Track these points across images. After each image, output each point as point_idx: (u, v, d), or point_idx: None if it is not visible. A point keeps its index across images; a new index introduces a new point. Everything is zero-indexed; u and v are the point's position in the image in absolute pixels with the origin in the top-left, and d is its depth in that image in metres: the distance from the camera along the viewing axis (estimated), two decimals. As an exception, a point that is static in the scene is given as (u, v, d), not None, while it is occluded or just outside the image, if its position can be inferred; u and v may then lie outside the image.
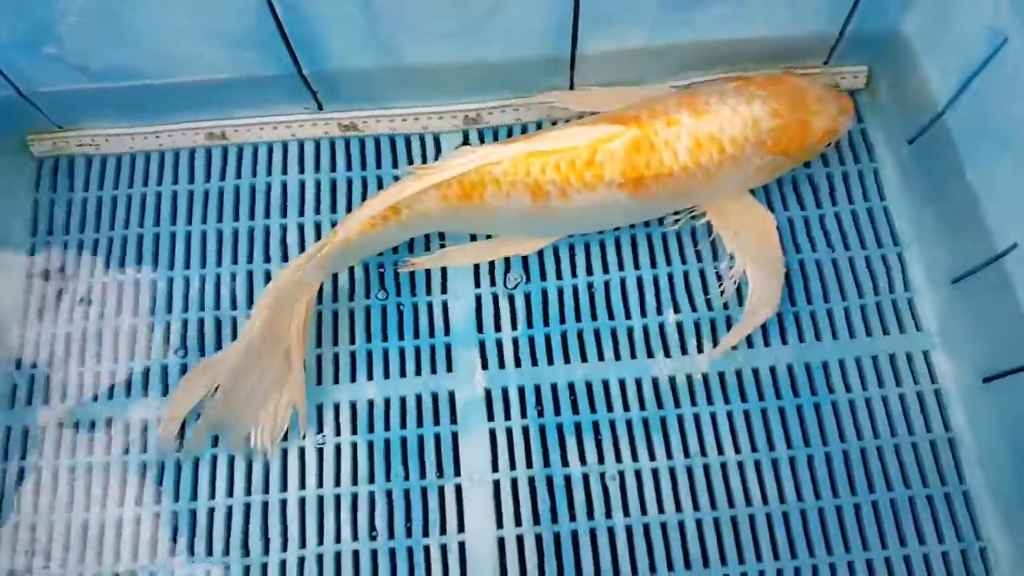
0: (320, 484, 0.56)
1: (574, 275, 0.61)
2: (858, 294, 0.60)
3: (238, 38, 0.57)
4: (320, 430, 0.58)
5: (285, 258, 0.62)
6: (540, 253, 0.62)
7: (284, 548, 0.55)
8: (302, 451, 0.57)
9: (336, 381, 0.59)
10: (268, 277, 0.61)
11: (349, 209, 0.64)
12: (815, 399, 0.58)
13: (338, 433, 0.57)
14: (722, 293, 0.60)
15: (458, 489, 0.56)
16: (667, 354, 0.59)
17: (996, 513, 0.55)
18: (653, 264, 0.62)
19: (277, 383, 0.56)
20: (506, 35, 0.59)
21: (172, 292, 0.61)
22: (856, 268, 0.61)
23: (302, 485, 0.56)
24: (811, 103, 0.58)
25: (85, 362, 0.59)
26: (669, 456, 0.56)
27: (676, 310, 0.60)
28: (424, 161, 0.65)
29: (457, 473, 0.56)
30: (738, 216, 0.60)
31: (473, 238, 0.62)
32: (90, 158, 0.66)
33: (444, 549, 0.54)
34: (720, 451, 0.56)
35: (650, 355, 0.59)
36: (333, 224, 0.63)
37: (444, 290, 0.61)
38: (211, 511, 0.56)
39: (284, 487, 0.56)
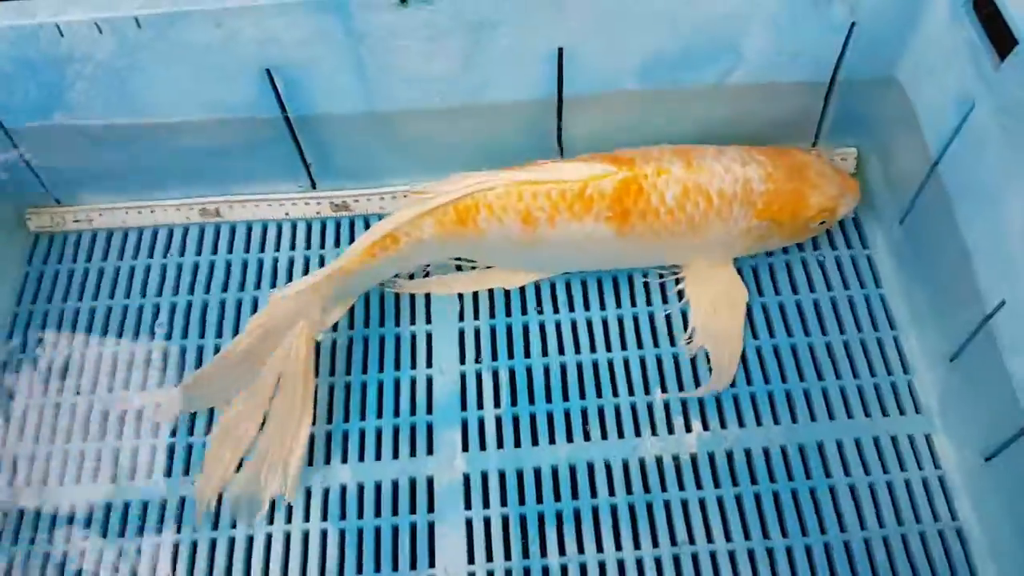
0: (285, 574, 0.51)
1: (561, 352, 0.57)
2: (853, 375, 0.56)
3: (237, 105, 0.56)
4: (288, 519, 0.53)
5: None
6: (526, 329, 0.58)
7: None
8: (268, 537, 0.52)
9: (310, 463, 0.54)
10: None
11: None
12: (810, 483, 0.52)
13: (307, 519, 0.53)
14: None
15: (431, 581, 0.51)
16: (654, 432, 0.54)
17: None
18: (640, 345, 0.58)
19: (277, 416, 0.52)
20: (494, 112, 0.57)
21: (165, 360, 0.59)
22: (851, 350, 0.57)
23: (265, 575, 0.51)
24: (811, 176, 0.56)
25: (55, 440, 0.56)
26: (655, 544, 0.51)
27: (664, 389, 0.56)
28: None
29: (431, 565, 0.51)
30: (714, 285, 0.57)
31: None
32: (81, 233, 0.64)
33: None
34: (709, 539, 0.51)
35: (637, 434, 0.54)
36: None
37: (429, 364, 0.58)
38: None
39: (248, 576, 0.51)
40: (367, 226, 0.63)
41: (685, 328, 0.58)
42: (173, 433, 0.56)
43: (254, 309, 0.60)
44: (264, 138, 0.58)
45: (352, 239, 0.63)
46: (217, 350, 0.58)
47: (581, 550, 0.51)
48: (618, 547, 0.51)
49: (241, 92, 0.55)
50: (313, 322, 0.54)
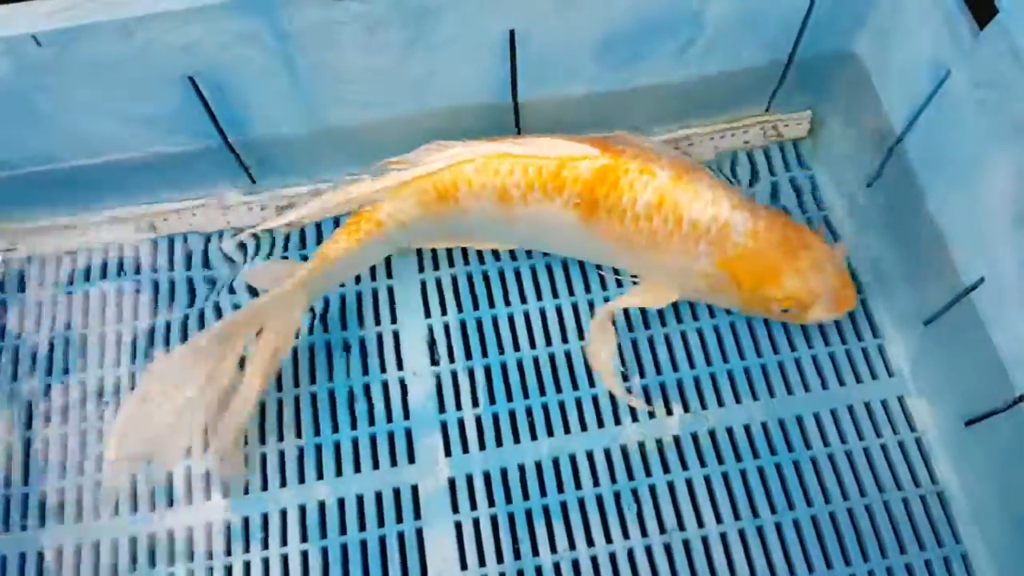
0: (271, 603, 0.48)
1: (532, 346, 0.54)
2: (824, 342, 0.54)
3: (162, 116, 0.50)
4: (265, 545, 0.50)
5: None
6: (496, 322, 0.55)
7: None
8: (247, 566, 0.49)
9: (283, 484, 0.51)
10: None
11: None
12: (793, 456, 0.51)
13: (285, 543, 0.49)
14: None
15: (424, 592, 0.48)
16: (634, 419, 0.52)
17: (991, 569, 0.48)
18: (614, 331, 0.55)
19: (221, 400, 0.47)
20: (445, 97, 0.53)
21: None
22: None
23: (250, 606, 0.48)
24: (802, 259, 0.48)
25: None
26: (644, 533, 0.49)
27: (641, 374, 0.54)
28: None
29: (424, 573, 0.49)
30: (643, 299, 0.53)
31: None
32: (8, 260, 0.58)
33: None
34: (700, 523, 0.49)
35: (617, 422, 0.52)
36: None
37: (400, 367, 0.54)
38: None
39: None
40: (318, 228, 0.58)
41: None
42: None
43: (200, 326, 0.55)
44: (197, 147, 0.53)
45: (303, 242, 0.58)
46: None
47: (572, 546, 0.49)
48: (608, 539, 0.49)
49: (165, 103, 0.49)
50: (291, 325, 0.49)
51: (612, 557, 0.49)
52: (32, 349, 0.55)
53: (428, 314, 0.56)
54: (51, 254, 0.58)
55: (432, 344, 0.55)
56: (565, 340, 0.55)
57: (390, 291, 0.57)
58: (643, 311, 0.55)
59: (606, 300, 0.56)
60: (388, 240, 0.52)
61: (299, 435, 0.52)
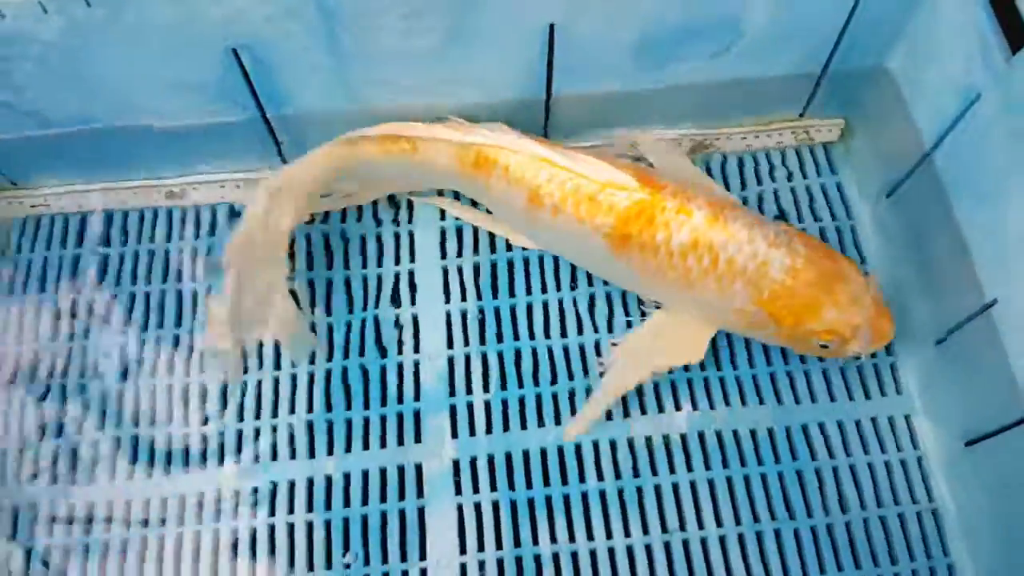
0: (272, 569, 0.49)
1: (547, 335, 0.55)
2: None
3: (202, 86, 0.50)
4: (272, 511, 0.50)
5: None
6: (513, 311, 0.55)
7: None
8: (253, 532, 0.50)
9: (292, 456, 0.51)
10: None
11: (311, 266, 0.57)
12: (797, 465, 0.51)
13: (291, 512, 0.50)
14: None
15: (423, 573, 0.49)
16: (643, 412, 0.52)
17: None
18: (629, 324, 0.55)
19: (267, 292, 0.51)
20: (480, 87, 0.53)
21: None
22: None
23: (252, 571, 0.49)
24: (840, 292, 0.47)
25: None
26: (645, 531, 0.50)
27: (652, 372, 0.54)
28: (397, 217, 0.59)
29: (423, 557, 0.49)
30: (677, 333, 0.51)
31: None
32: (40, 218, 0.58)
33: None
34: (700, 525, 0.50)
35: (626, 415, 0.52)
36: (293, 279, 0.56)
37: (416, 349, 0.54)
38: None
39: (234, 572, 0.49)
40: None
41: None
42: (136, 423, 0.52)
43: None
44: (233, 119, 0.53)
45: (325, 215, 0.58)
46: (176, 341, 0.54)
47: (572, 539, 0.49)
48: (608, 535, 0.50)
49: (207, 72, 0.49)
50: (301, 203, 0.51)
51: (611, 552, 0.49)
52: (54, 306, 0.55)
53: (448, 299, 0.56)
54: (75, 214, 0.58)
55: (448, 328, 0.55)
56: (580, 332, 0.55)
57: (411, 274, 0.57)
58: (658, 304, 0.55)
59: (623, 293, 0.56)
60: (414, 166, 0.52)
61: (310, 410, 0.53)
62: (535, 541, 0.49)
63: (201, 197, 0.59)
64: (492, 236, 0.58)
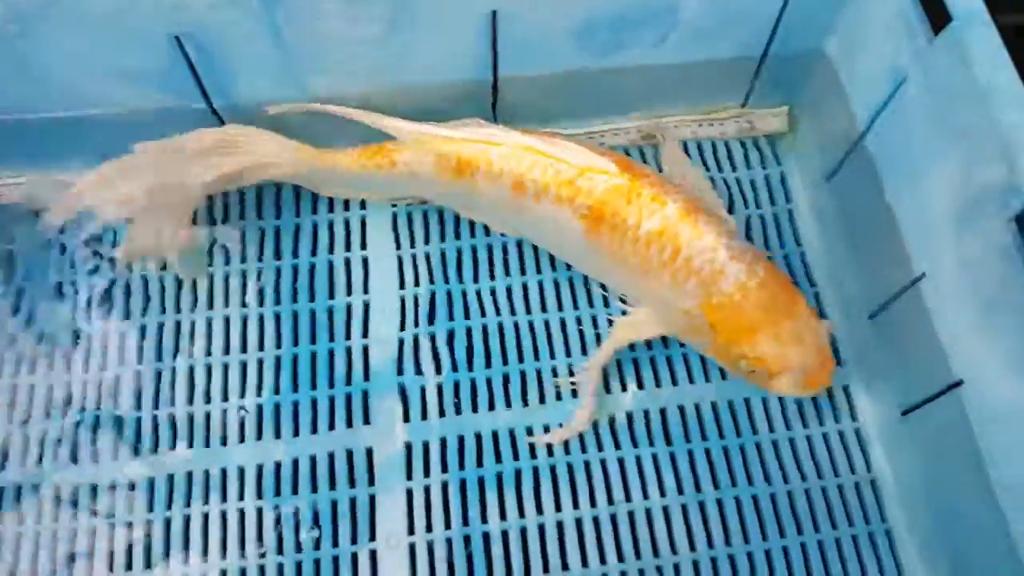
0: (224, 555, 0.49)
1: (498, 314, 0.55)
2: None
3: (148, 74, 0.50)
4: (224, 498, 0.50)
5: (195, 306, 0.55)
6: (464, 294, 0.56)
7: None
8: (205, 517, 0.50)
9: (241, 440, 0.51)
10: (177, 329, 0.54)
11: (261, 256, 0.57)
12: (740, 440, 0.53)
13: (242, 498, 0.50)
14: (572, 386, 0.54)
15: (372, 555, 0.49)
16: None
17: (914, 548, 0.50)
18: (576, 306, 0.56)
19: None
20: (425, 71, 0.53)
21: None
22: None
23: (204, 558, 0.49)
24: (783, 326, 0.46)
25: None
26: (592, 504, 0.51)
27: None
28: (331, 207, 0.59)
29: (372, 538, 0.49)
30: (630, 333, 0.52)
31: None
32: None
33: (355, 618, 0.48)
34: (645, 495, 0.51)
35: (574, 395, 0.53)
36: (245, 273, 0.56)
37: (365, 334, 0.55)
38: (107, 585, 0.48)
39: (186, 560, 0.49)
40: (296, 192, 0.58)
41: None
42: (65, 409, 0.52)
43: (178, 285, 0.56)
44: (181, 108, 0.53)
45: (278, 212, 0.58)
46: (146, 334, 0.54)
47: (521, 514, 0.50)
48: (558, 508, 0.50)
49: (151, 61, 0.49)
50: (263, 170, 0.53)
51: (559, 525, 0.50)
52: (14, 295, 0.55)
53: (402, 285, 0.56)
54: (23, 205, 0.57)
55: (402, 313, 0.55)
56: (528, 312, 0.56)
57: (364, 261, 0.57)
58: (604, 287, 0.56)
59: (570, 278, 0.57)
60: (392, 181, 0.53)
61: (259, 394, 0.53)
62: (484, 519, 0.50)
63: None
64: (443, 221, 0.58)
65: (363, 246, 0.58)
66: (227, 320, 0.55)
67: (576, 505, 0.51)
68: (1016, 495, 0.42)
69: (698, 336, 0.50)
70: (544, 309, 0.56)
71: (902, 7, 0.46)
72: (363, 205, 0.59)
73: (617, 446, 0.52)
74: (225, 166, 0.52)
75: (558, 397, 0.53)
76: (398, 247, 0.58)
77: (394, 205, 0.58)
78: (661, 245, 0.48)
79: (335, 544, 0.49)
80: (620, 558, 0.49)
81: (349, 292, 0.56)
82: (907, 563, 0.50)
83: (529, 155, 0.50)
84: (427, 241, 0.58)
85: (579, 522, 0.50)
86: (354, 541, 0.49)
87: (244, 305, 0.55)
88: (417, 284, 0.56)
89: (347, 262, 0.57)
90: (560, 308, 0.56)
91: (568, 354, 0.55)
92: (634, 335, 0.52)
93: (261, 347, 0.54)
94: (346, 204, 0.59)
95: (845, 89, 0.53)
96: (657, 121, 0.60)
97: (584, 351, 0.55)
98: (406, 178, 0.53)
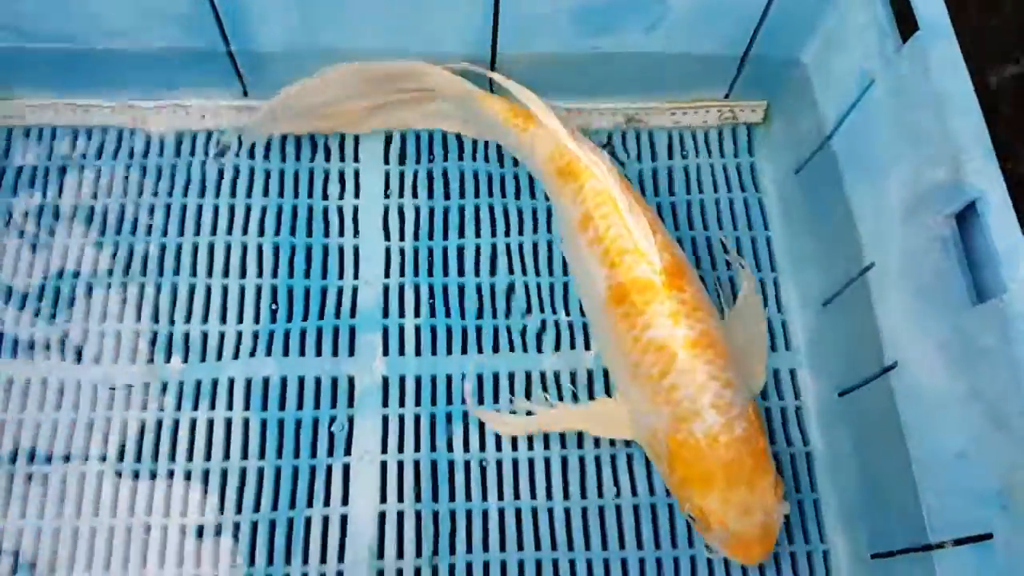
0: (208, 458, 0.53)
1: (477, 274, 0.59)
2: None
3: (170, 12, 0.53)
4: (212, 405, 0.54)
5: (199, 231, 0.58)
6: (445, 251, 0.59)
7: (166, 518, 0.51)
8: (193, 422, 0.53)
9: (236, 356, 0.55)
10: (178, 251, 0.58)
11: (266, 193, 0.60)
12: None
13: (230, 408, 0.54)
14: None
15: (346, 467, 0.53)
16: (557, 349, 0.57)
17: (839, 518, 0.54)
18: (551, 271, 0.59)
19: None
20: (428, 43, 0.56)
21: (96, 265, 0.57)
22: (736, 289, 0.59)
23: (189, 457, 0.52)
24: (737, 491, 0.45)
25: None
26: (546, 447, 0.54)
27: (567, 312, 0.58)
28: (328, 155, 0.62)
29: (348, 453, 0.53)
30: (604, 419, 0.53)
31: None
32: (11, 129, 0.60)
33: (326, 520, 0.52)
34: (597, 444, 0.54)
35: (539, 350, 0.57)
36: (249, 209, 0.59)
37: (356, 276, 0.58)
38: (100, 474, 0.52)
39: (172, 458, 0.52)
40: (297, 141, 0.61)
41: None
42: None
43: (182, 214, 0.59)
44: (203, 49, 0.56)
45: (283, 154, 0.61)
46: (149, 254, 0.57)
47: (483, 447, 0.54)
48: (514, 447, 0.54)
49: (178, 1, 0.52)
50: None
51: (515, 462, 0.54)
52: (22, 214, 0.58)
53: (387, 236, 0.60)
54: (47, 126, 0.61)
55: (387, 260, 0.59)
56: (511, 272, 0.59)
57: (355, 209, 0.60)
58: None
59: (549, 241, 0.60)
60: (509, 139, 0.57)
61: (257, 320, 0.56)
62: (449, 448, 0.54)
63: (164, 122, 0.61)
64: (432, 178, 0.61)
65: (356, 194, 0.61)
66: (228, 246, 0.58)
67: (531, 447, 0.54)
68: (928, 469, 0.45)
69: (658, 461, 0.49)
70: (524, 272, 0.59)
71: (876, 14, 0.49)
72: (356, 158, 0.62)
73: (575, 398, 0.55)
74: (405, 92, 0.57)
75: (524, 349, 0.57)
76: (387, 196, 0.61)
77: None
78: (655, 359, 0.48)
79: (313, 455, 0.53)
80: (566, 496, 0.53)
81: (342, 234, 0.59)
82: (830, 532, 0.54)
83: (607, 204, 0.51)
84: (415, 195, 0.61)
85: (531, 461, 0.54)
86: (331, 454, 0.53)
87: (245, 233, 0.58)
88: (402, 238, 0.59)
89: (339, 210, 0.60)
90: (537, 273, 0.59)
91: (541, 310, 0.58)
92: (599, 431, 0.52)
93: (260, 274, 0.57)
94: (341, 155, 0.62)
95: (816, 95, 0.56)
96: (643, 106, 0.63)
97: (554, 310, 0.58)
98: (524, 146, 0.56)
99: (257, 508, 0.52)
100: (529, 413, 0.53)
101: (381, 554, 0.51)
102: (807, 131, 0.58)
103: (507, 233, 0.60)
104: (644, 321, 0.48)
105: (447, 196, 0.61)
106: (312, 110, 0.58)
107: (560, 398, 0.55)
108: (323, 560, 0.51)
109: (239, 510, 0.51)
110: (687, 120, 0.64)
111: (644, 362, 0.48)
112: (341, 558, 0.51)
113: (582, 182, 0.52)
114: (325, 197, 0.60)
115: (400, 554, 0.51)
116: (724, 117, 0.64)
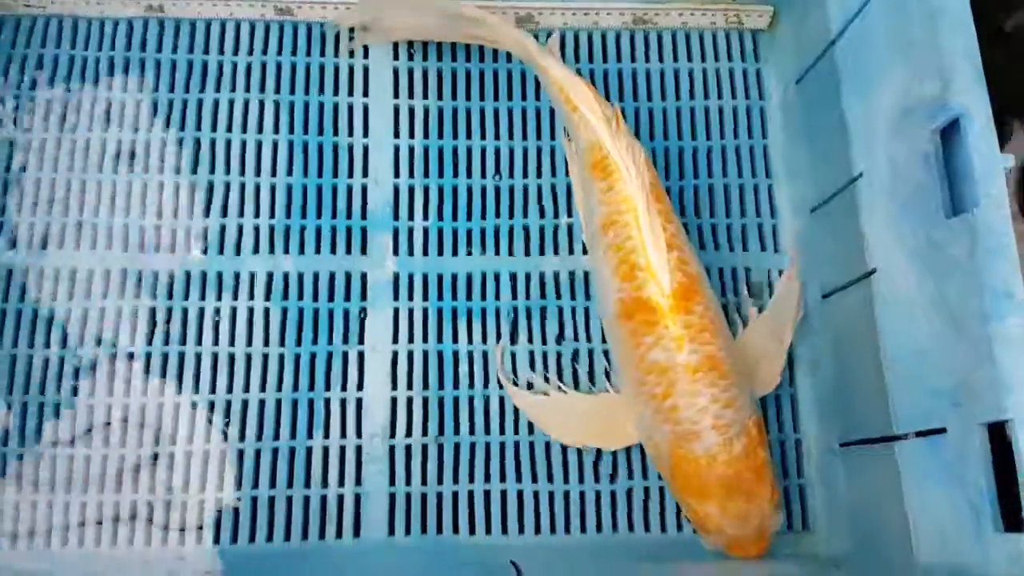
0: (232, 343, 0.56)
1: (483, 176, 0.60)
2: (726, 214, 0.61)
3: None
4: (235, 296, 0.57)
5: (218, 127, 0.60)
6: (455, 151, 0.61)
7: (196, 394, 0.55)
8: (217, 311, 0.57)
9: (256, 251, 0.58)
10: (197, 144, 0.59)
11: (278, 90, 0.61)
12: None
13: (252, 298, 0.57)
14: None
15: (360, 355, 0.57)
16: (556, 252, 0.59)
17: (813, 411, 0.58)
18: (554, 173, 0.61)
19: None
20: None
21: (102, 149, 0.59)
22: (729, 193, 0.61)
23: (215, 342, 0.56)
24: (734, 502, 0.47)
25: None
26: (544, 342, 0.58)
27: (569, 215, 0.60)
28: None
29: (361, 342, 0.57)
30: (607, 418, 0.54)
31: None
32: (35, 18, 0.61)
33: (343, 403, 0.56)
34: (589, 339, 0.58)
35: (541, 252, 0.59)
36: (261, 103, 0.61)
37: (365, 174, 0.60)
38: (130, 355, 0.55)
39: (199, 342, 0.56)
40: (308, 32, 0.62)
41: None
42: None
43: (198, 109, 0.60)
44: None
45: (295, 48, 0.62)
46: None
47: (485, 340, 0.58)
48: (513, 341, 0.58)
49: None
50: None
51: (514, 356, 0.58)
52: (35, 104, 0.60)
53: (397, 135, 0.61)
54: (67, 16, 0.61)
55: (396, 160, 0.60)
56: (512, 175, 0.61)
57: (365, 108, 0.61)
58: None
59: (552, 147, 0.61)
60: (561, 106, 0.55)
61: (272, 215, 0.58)
62: (454, 340, 0.58)
63: (179, 11, 0.62)
64: (441, 82, 0.62)
65: (365, 93, 0.62)
66: (243, 144, 0.60)
67: (531, 340, 0.58)
68: (897, 366, 0.48)
69: (660, 467, 0.51)
70: (525, 175, 0.61)
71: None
72: (366, 54, 0.62)
73: (573, 296, 0.59)
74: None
75: (526, 253, 0.59)
76: (396, 96, 0.62)
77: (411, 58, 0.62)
78: (658, 380, 0.48)
79: (330, 342, 0.57)
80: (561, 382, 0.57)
81: (351, 133, 0.61)
82: (804, 423, 0.58)
83: (631, 212, 0.50)
84: (425, 95, 0.62)
85: (531, 354, 0.58)
86: (345, 341, 0.57)
87: (260, 132, 0.60)
88: (412, 136, 0.61)
89: (349, 107, 0.61)
90: (539, 175, 0.61)
91: (542, 215, 0.60)
92: (599, 442, 0.54)
93: (274, 173, 0.59)
94: (351, 52, 0.62)
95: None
96: (652, 7, 0.62)
97: (556, 215, 0.60)
98: (572, 126, 0.55)
99: (279, 389, 0.56)
100: (529, 385, 0.56)
101: (393, 433, 0.56)
102: (810, 40, 0.58)
103: (511, 136, 0.61)
104: (649, 343, 0.49)
105: (454, 96, 0.62)
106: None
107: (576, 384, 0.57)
108: (343, 435, 0.55)
109: (263, 389, 0.56)
110: (695, 21, 0.64)
111: (648, 381, 0.49)
112: (359, 434, 0.55)
113: (612, 182, 0.52)
114: (336, 93, 0.61)
115: (409, 432, 0.56)
116: (730, 20, 0.64)
